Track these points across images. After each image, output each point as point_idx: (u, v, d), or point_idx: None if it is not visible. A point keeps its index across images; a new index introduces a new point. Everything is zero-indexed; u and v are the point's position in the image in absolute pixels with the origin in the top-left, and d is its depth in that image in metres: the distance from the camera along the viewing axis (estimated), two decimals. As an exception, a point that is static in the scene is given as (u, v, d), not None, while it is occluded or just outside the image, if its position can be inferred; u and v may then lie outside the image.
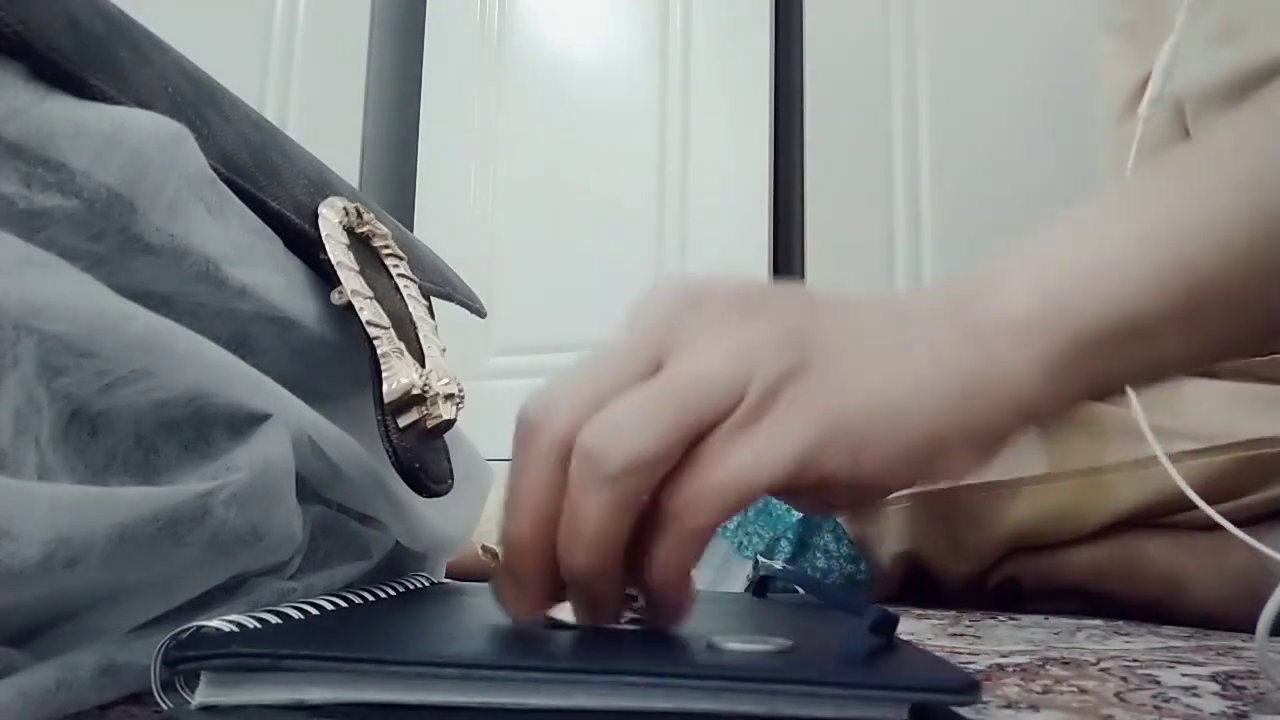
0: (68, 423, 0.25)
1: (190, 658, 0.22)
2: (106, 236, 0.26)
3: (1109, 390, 0.35)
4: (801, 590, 0.47)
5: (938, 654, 0.44)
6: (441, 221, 1.59)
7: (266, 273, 0.31)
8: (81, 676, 0.24)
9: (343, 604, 0.32)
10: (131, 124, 0.26)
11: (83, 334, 0.24)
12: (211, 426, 0.29)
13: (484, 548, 0.80)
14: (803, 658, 0.25)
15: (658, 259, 1.46)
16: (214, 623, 0.24)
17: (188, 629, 0.23)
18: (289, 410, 0.30)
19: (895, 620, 0.29)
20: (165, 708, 0.22)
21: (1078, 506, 0.70)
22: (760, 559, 0.62)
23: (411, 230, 1.62)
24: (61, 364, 0.24)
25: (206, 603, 0.29)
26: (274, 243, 0.33)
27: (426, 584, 0.42)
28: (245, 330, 0.31)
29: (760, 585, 0.48)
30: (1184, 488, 0.48)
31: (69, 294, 0.24)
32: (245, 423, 0.29)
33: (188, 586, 0.28)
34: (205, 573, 0.28)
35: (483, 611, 0.33)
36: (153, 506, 0.25)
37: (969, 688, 0.22)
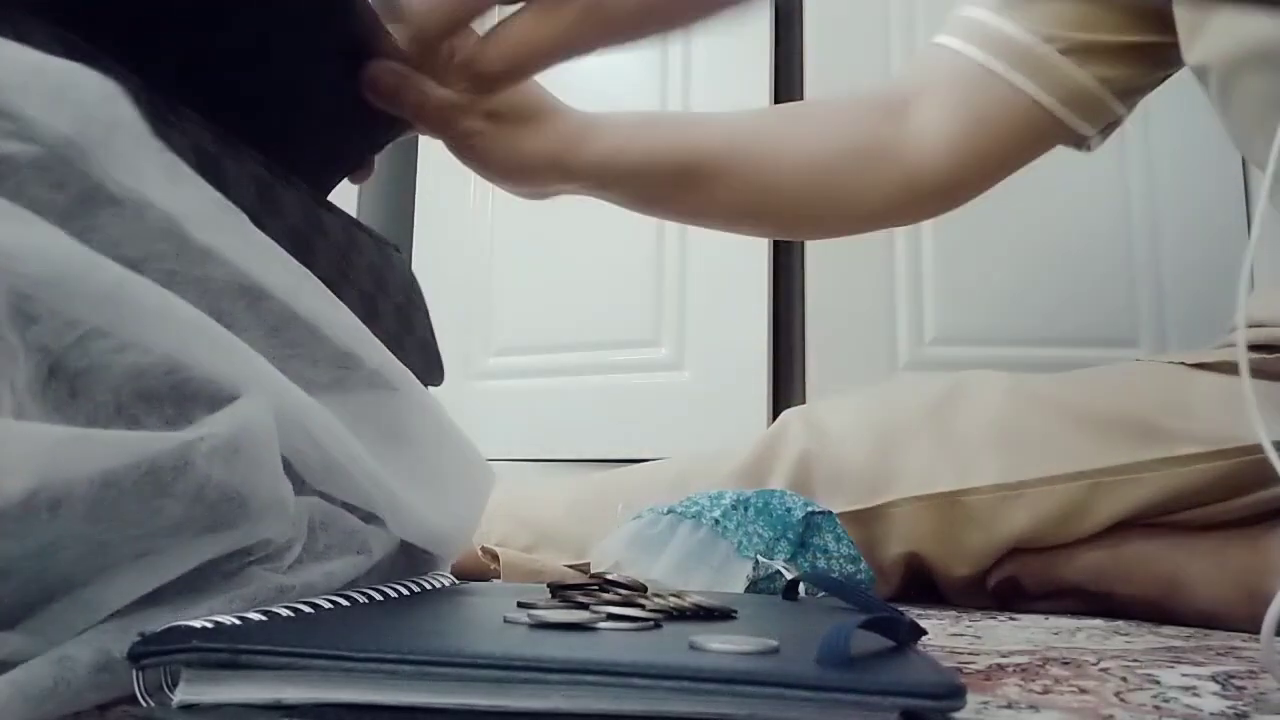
0: (46, 379, 0.25)
1: (153, 652, 0.22)
2: (69, 184, 0.26)
3: None
4: (825, 592, 0.47)
5: (936, 654, 0.44)
6: (441, 222, 1.59)
7: (232, 239, 0.32)
8: (79, 673, 0.24)
9: (342, 603, 0.32)
10: (72, 77, 0.27)
11: (52, 280, 0.24)
12: (192, 403, 0.29)
13: (483, 548, 0.80)
14: (784, 659, 0.24)
15: (658, 258, 1.46)
16: (193, 621, 0.24)
17: (165, 627, 0.23)
18: (267, 379, 0.31)
19: (895, 622, 0.29)
20: (145, 706, 0.22)
21: (1079, 508, 0.70)
22: (760, 559, 0.62)
23: (411, 231, 1.62)
24: (33, 312, 0.24)
25: (205, 590, 0.29)
26: (239, 216, 0.33)
27: (438, 584, 0.42)
28: (219, 303, 0.31)
29: (791, 587, 0.48)
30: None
31: (37, 241, 0.24)
32: (227, 402, 0.29)
33: (181, 556, 0.28)
34: (196, 540, 0.28)
35: (479, 612, 0.33)
36: (134, 452, 0.25)
37: (952, 693, 0.22)
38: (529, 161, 0.61)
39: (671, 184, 0.68)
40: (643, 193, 0.68)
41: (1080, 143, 0.79)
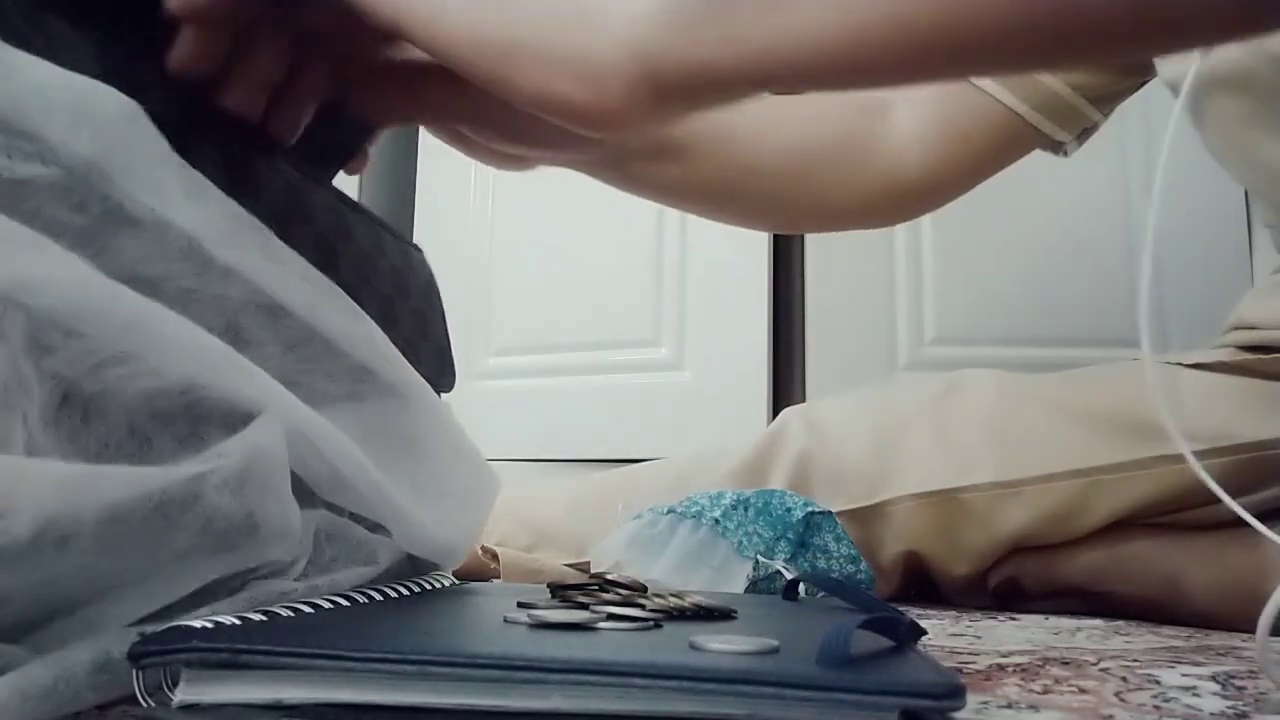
0: (59, 406, 0.25)
1: (153, 652, 0.22)
2: (89, 206, 0.26)
3: (741, 69, 0.37)
4: (825, 592, 0.47)
5: (936, 654, 0.44)
6: (441, 221, 1.59)
7: (253, 257, 0.31)
8: (79, 673, 0.24)
9: (343, 603, 0.32)
10: (94, 97, 0.27)
11: (70, 311, 0.24)
12: (205, 422, 0.29)
13: (484, 548, 0.80)
14: (784, 659, 0.24)
15: (658, 259, 1.46)
16: (193, 621, 0.24)
17: (165, 627, 0.23)
18: (281, 402, 0.30)
19: (895, 622, 0.29)
20: (145, 706, 0.22)
21: (1078, 506, 0.70)
22: (760, 559, 0.62)
23: (412, 231, 1.62)
24: (50, 343, 0.24)
25: (208, 604, 0.29)
26: (262, 232, 0.33)
27: (438, 585, 0.42)
28: (236, 320, 0.31)
29: (791, 587, 0.48)
30: (1215, 488, 0.48)
31: (56, 272, 0.24)
32: (241, 421, 0.29)
33: (186, 578, 0.28)
34: (202, 564, 0.28)
35: (479, 612, 0.33)
36: (143, 487, 0.24)
37: (952, 693, 0.22)
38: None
39: (648, 153, 0.68)
40: (619, 159, 0.68)
41: (1057, 148, 0.79)
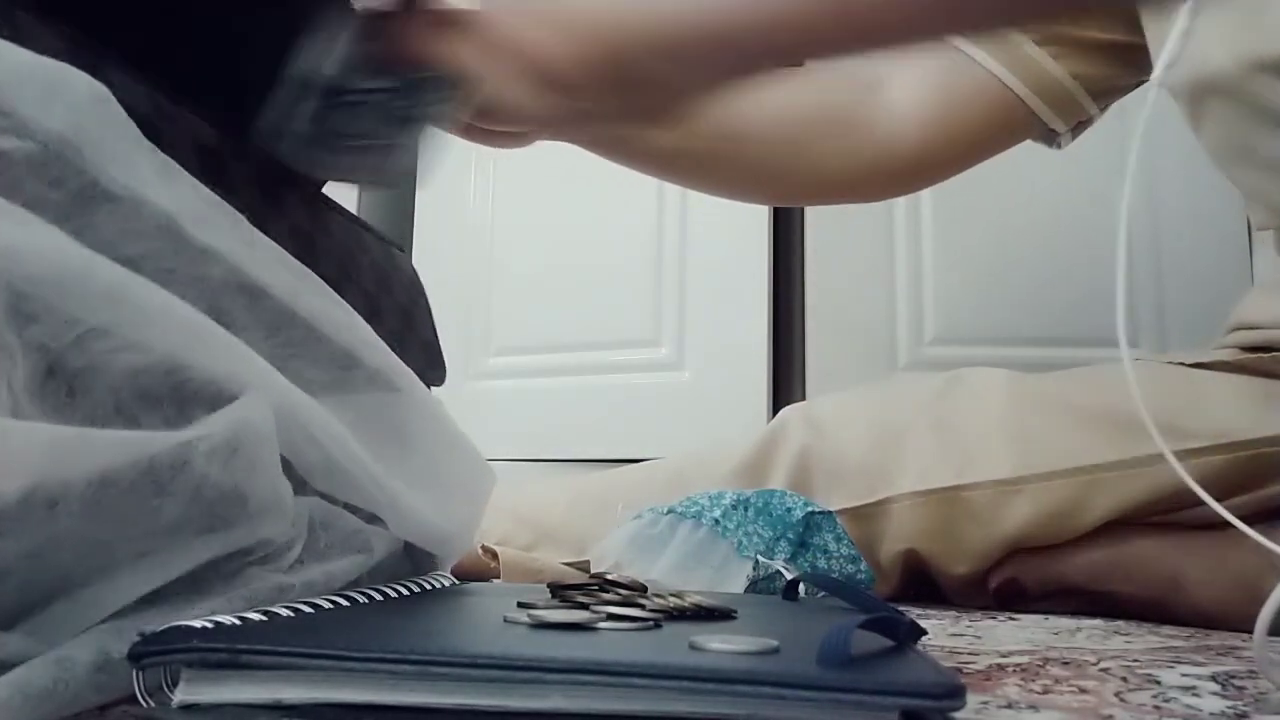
0: (44, 379, 0.25)
1: (153, 652, 0.22)
2: (67, 181, 0.26)
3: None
4: (825, 592, 0.47)
5: (936, 654, 0.44)
6: (441, 221, 1.59)
7: (229, 239, 0.31)
8: (79, 673, 0.24)
9: (343, 603, 0.32)
10: (64, 77, 0.27)
11: (50, 279, 0.24)
12: (192, 403, 0.29)
13: (484, 547, 0.80)
14: (784, 659, 0.24)
15: (658, 258, 1.46)
16: (193, 621, 0.24)
17: (165, 627, 0.23)
18: (269, 382, 0.31)
19: (895, 622, 0.29)
20: (145, 706, 0.22)
21: (1078, 504, 0.70)
22: (760, 559, 0.62)
23: (412, 231, 1.62)
24: (31, 311, 0.24)
25: (204, 590, 0.29)
26: (235, 216, 0.33)
27: (438, 584, 0.42)
28: (218, 302, 0.31)
29: (791, 587, 0.48)
30: (1192, 485, 0.48)
31: (36, 241, 0.24)
32: (228, 402, 0.29)
33: (180, 557, 0.28)
34: (195, 541, 0.28)
35: (479, 612, 0.33)
36: (131, 451, 0.25)
37: (952, 693, 0.22)
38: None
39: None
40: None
41: (1051, 138, 0.79)
